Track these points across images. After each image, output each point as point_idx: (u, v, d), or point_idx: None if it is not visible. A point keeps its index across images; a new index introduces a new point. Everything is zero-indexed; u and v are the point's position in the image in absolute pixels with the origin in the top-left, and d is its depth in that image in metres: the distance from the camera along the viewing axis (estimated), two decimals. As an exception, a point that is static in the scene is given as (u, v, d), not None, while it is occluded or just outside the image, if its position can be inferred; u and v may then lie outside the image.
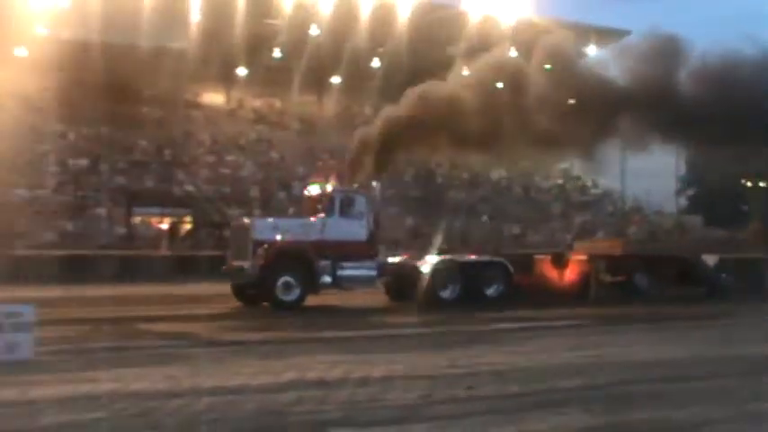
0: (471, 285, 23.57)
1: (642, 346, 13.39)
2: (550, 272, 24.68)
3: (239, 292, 22.11)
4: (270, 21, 39.06)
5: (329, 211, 22.94)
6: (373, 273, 23.43)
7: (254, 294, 22.41)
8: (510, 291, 23.73)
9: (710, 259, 25.92)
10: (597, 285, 24.29)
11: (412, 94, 24.56)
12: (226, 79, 43.04)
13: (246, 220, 24.78)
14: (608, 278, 24.86)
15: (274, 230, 23.31)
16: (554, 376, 10.35)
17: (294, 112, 43.89)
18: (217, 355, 12.79)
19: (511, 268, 23.89)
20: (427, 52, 38.46)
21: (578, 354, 12.51)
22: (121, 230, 31.47)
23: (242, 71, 42.45)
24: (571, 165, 43.51)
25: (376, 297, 23.17)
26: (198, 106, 42.86)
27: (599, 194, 47.67)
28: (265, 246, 22.10)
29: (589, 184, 47.47)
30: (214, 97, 44.20)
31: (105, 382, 10.08)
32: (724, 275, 25.56)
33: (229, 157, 38.98)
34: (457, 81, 24.93)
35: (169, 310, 19.56)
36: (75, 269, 26.04)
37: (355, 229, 23.23)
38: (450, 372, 10.70)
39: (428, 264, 23.43)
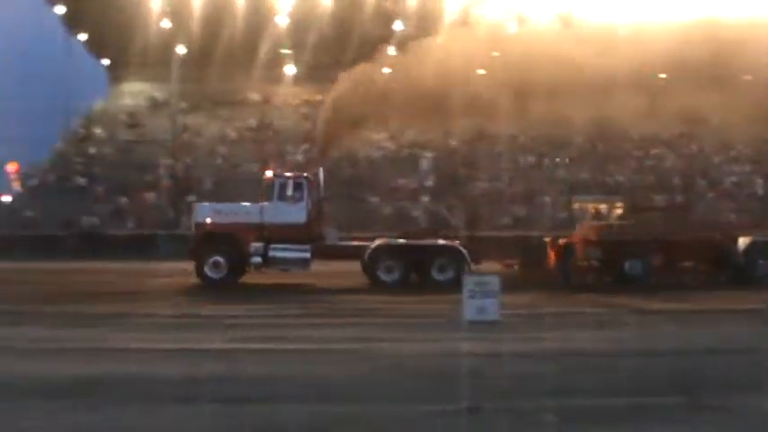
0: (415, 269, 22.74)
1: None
2: (547, 256, 22.79)
3: None
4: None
5: (269, 196, 23.39)
6: (307, 255, 23.08)
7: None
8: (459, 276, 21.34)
9: (743, 241, 22.89)
10: (576, 271, 22.37)
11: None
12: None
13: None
14: (585, 264, 22.65)
15: (212, 214, 24.28)
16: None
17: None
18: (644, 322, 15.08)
19: (465, 254, 22.49)
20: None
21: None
22: (563, 215, 34.64)
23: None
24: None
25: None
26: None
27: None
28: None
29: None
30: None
31: (553, 340, 12.00)
32: (761, 261, 22.36)
33: (654, 151, 40.75)
34: None
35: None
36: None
37: (294, 213, 23.23)
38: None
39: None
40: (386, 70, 28.29)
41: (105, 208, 35.73)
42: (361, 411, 8.10)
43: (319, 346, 12.20)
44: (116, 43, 42.57)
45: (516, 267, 22.69)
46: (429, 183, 36.70)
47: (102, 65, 47.05)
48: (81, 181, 38.57)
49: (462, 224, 30.29)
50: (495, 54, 30.66)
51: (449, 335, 12.67)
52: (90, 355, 11.28)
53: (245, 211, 24.21)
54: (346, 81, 25.39)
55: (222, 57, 40.29)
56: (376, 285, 22.23)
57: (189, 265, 22.76)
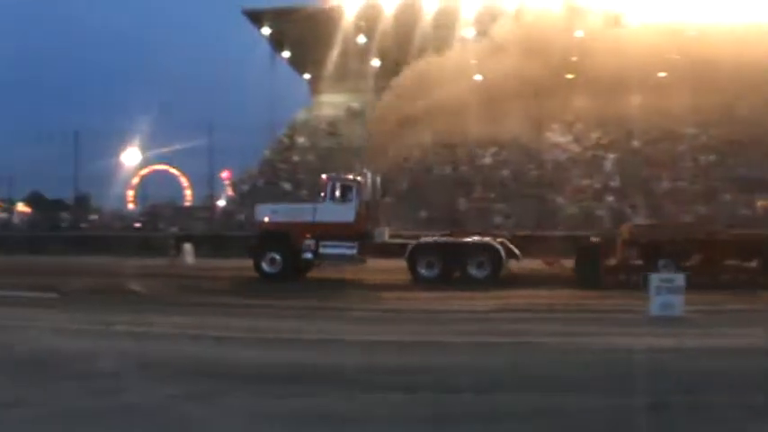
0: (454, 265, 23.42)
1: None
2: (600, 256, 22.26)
3: None
4: None
5: (323, 197, 25.02)
6: (352, 251, 24.48)
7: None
8: (497, 272, 22.97)
9: None
10: (606, 272, 21.87)
11: None
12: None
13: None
14: (612, 263, 22.37)
15: (270, 214, 26.06)
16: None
17: None
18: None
19: (501, 251, 23.13)
20: None
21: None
22: (745, 212, 34.23)
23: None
24: None
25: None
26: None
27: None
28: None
29: None
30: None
31: (738, 336, 12.28)
32: None
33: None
34: None
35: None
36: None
37: (343, 213, 24.57)
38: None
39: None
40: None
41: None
42: (555, 402, 8.36)
43: (521, 339, 12.56)
44: (316, 59, 45.86)
45: (555, 265, 23.08)
46: (614, 183, 37.30)
47: (304, 79, 50.85)
48: (287, 186, 42.11)
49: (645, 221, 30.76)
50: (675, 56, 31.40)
51: (637, 329, 13.12)
52: (307, 346, 12.11)
53: (299, 210, 25.95)
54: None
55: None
56: (417, 281, 23.17)
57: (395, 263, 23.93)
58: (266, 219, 26.08)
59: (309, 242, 24.72)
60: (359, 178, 25.65)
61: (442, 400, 8.24)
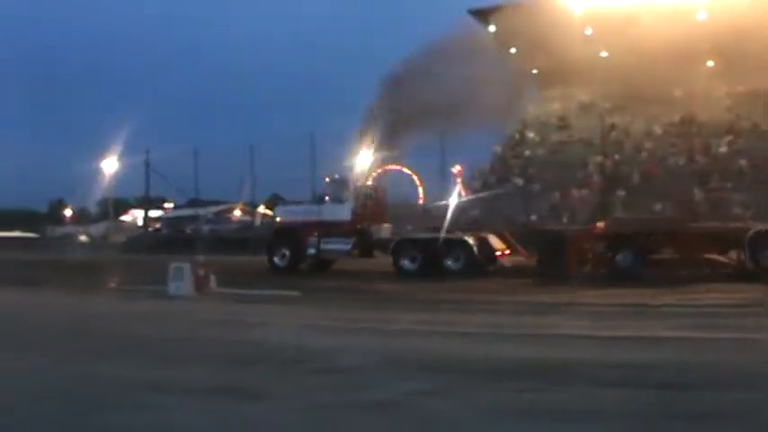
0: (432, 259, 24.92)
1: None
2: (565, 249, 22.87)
3: None
4: None
5: (325, 198, 28.14)
6: (347, 246, 27.04)
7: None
8: (470, 266, 24.37)
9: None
10: (575, 264, 22.53)
11: None
12: None
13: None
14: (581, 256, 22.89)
15: (282, 214, 29.72)
16: None
17: None
18: None
19: (474, 246, 24.66)
20: None
21: None
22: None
23: None
24: None
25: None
26: None
27: None
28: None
29: None
30: None
31: None
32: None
33: None
34: None
35: None
36: None
37: (341, 212, 27.10)
38: None
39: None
40: None
41: (542, 205, 39.23)
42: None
43: (737, 335, 12.06)
44: (543, 53, 45.81)
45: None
46: None
47: (532, 74, 50.84)
48: (518, 181, 42.64)
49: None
50: None
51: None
52: (534, 341, 12.06)
53: (306, 210, 28.33)
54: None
55: (643, 57, 41.23)
56: (400, 274, 24.75)
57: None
58: (278, 218, 29.72)
59: (313, 239, 27.24)
60: (356, 181, 29.14)
61: (670, 398, 8.04)
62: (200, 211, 59.71)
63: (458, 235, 25.51)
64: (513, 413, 7.67)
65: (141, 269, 28.45)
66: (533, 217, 37.71)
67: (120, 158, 51.52)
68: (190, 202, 62.00)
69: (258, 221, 46.89)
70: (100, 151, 51.94)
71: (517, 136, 47.85)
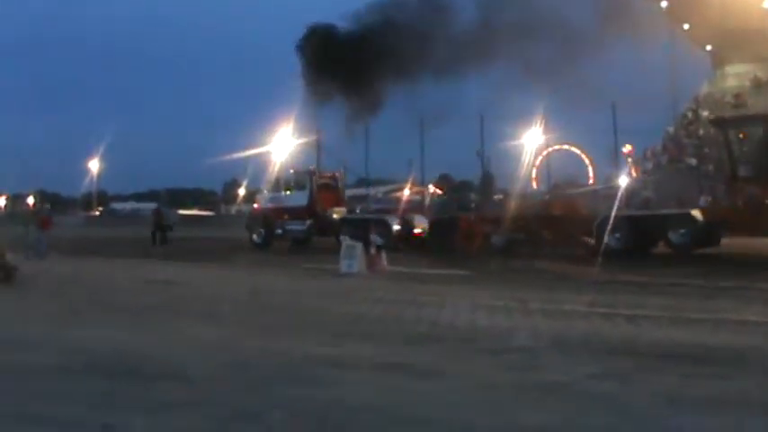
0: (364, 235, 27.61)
1: None
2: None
3: None
4: None
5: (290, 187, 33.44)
6: (303, 227, 32.48)
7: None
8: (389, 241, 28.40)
9: None
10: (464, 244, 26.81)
11: None
12: None
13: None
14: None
15: (260, 200, 35.44)
16: None
17: None
18: None
19: (392, 225, 29.87)
20: None
21: None
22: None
23: None
24: None
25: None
26: None
27: None
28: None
29: None
30: None
31: None
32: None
33: None
34: None
35: None
36: None
37: (300, 199, 32.53)
38: None
39: None
40: None
41: (716, 187, 36.79)
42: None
43: None
44: (717, 29, 43.13)
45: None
46: None
47: (706, 51, 47.99)
48: (692, 161, 40.33)
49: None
50: None
51: None
52: (713, 325, 11.44)
53: (275, 198, 33.50)
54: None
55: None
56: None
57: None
58: (256, 204, 35.42)
59: (280, 222, 32.69)
60: (313, 170, 34.18)
61: None
62: (371, 191, 60.79)
63: (381, 216, 30.86)
64: (693, 400, 7.27)
65: (313, 249, 32.34)
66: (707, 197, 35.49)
67: (292, 138, 52.89)
68: (359, 181, 63.18)
69: (428, 201, 47.09)
70: (271, 133, 53.58)
71: (690, 115, 45.29)
